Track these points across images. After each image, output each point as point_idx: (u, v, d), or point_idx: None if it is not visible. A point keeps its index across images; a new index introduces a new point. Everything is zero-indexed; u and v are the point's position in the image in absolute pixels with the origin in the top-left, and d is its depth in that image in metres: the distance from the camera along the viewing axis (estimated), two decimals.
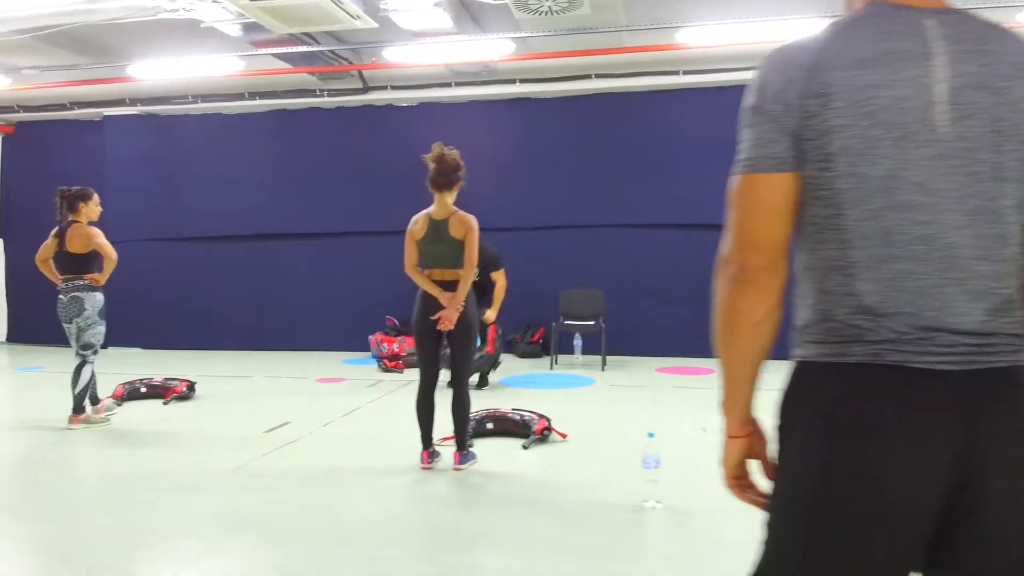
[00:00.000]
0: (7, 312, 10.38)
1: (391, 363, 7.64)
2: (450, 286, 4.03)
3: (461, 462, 4.08)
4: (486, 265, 6.56)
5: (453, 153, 4.06)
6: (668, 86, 8.23)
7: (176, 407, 5.91)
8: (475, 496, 3.68)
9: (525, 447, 4.52)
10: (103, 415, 5.31)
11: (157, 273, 9.38)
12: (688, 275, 8.35)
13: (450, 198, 4.09)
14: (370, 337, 8.74)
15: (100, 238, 5.08)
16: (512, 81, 8.49)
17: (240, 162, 9.36)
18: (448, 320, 3.97)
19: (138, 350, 9.40)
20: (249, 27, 6.87)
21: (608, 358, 7.71)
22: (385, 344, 8.52)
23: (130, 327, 9.18)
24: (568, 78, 8.35)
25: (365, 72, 8.60)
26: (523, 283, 7.91)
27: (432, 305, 4.03)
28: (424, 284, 4.05)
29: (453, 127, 8.84)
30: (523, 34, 6.93)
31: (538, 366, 7.95)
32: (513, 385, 6.82)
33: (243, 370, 7.74)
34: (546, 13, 5.84)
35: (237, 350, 9.21)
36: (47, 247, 5.19)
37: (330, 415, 5.52)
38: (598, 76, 8.29)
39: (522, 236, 8.50)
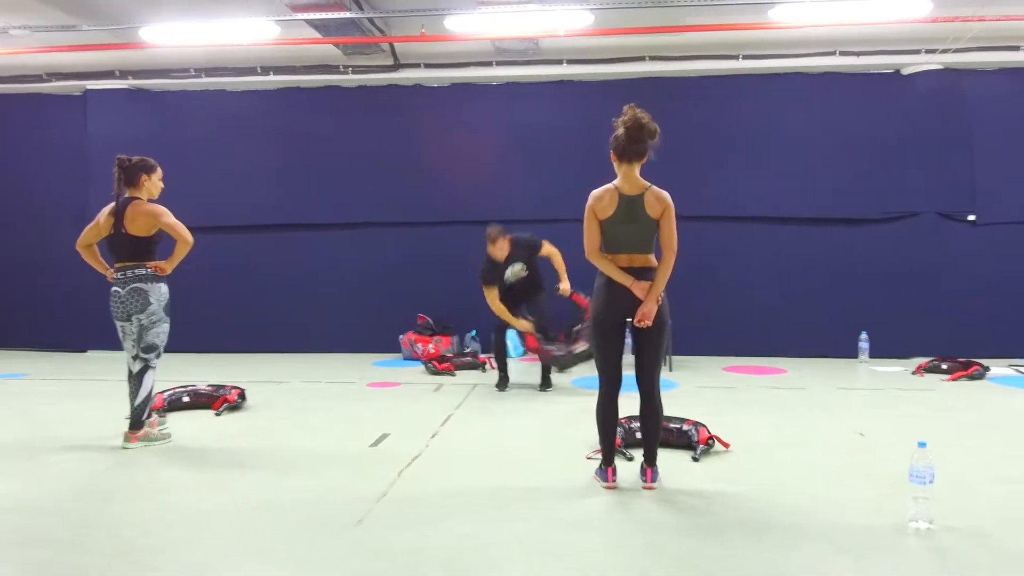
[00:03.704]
0: None
1: (441, 365, 6.93)
2: (639, 274, 3.43)
3: (654, 479, 3.50)
4: (530, 252, 6.02)
5: (646, 116, 3.43)
6: (726, 71, 7.83)
7: (233, 419, 5.08)
8: (704, 521, 3.09)
9: (696, 459, 3.97)
10: (156, 431, 4.45)
11: None
12: (743, 270, 7.99)
13: (638, 170, 3.49)
14: (401, 337, 8.00)
15: (170, 217, 4.24)
16: (559, 62, 7.91)
17: (245, 145, 8.44)
18: (648, 315, 3.38)
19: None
20: None
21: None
22: (420, 344, 7.81)
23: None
24: (619, 60, 7.83)
25: (397, 47, 7.85)
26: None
27: (622, 296, 3.42)
28: (612, 272, 3.44)
29: (489, 110, 8.25)
30: (598, 6, 6.38)
31: (591, 366, 7.36)
32: (588, 387, 6.24)
33: (270, 375, 6.87)
34: None
35: (245, 352, 8.28)
36: (97, 229, 4.30)
37: (427, 425, 4.82)
38: (652, 59, 7.81)
39: (564, 228, 7.77)
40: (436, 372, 6.90)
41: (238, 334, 8.39)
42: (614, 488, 3.49)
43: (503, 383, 6.14)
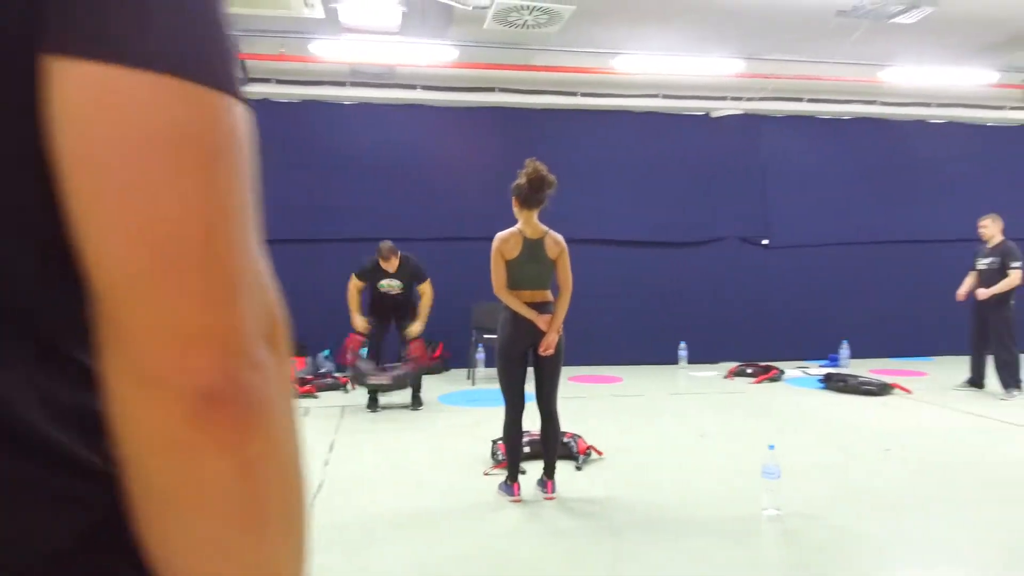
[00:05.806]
0: None
1: (302, 388, 6.93)
2: (539, 307, 3.88)
3: (554, 490, 3.94)
4: (412, 278, 6.30)
5: (544, 168, 3.88)
6: (566, 106, 8.53)
7: None
8: (603, 524, 3.57)
9: (579, 468, 4.48)
10: None
11: None
12: (579, 287, 8.68)
13: (536, 216, 3.93)
14: None
15: None
16: (412, 87, 8.18)
17: None
18: (551, 345, 3.82)
19: None
20: None
21: None
22: None
23: None
24: (470, 89, 8.26)
25: (248, 61, 7.70)
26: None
27: (525, 329, 3.84)
28: (518, 307, 3.84)
29: (340, 129, 8.32)
30: (460, 43, 6.76)
31: (451, 381, 7.73)
32: (455, 403, 6.60)
33: None
34: (522, 27, 5.80)
35: None
36: None
37: (314, 451, 4.91)
38: (501, 90, 8.32)
39: (419, 248, 8.01)
40: (297, 395, 6.89)
41: None
42: (520, 501, 3.89)
43: (373, 404, 6.31)
